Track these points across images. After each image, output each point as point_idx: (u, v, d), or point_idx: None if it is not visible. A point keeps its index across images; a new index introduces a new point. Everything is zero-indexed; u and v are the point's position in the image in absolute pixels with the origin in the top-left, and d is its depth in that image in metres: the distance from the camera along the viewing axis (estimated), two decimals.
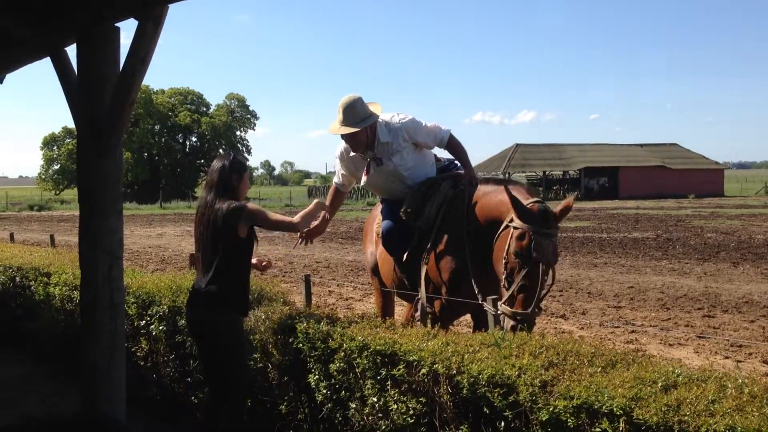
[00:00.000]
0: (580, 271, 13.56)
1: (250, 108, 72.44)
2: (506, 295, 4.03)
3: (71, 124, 4.52)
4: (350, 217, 30.88)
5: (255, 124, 72.72)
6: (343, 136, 4.89)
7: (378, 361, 3.41)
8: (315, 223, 4.87)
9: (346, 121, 4.77)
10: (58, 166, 63.51)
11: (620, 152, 57.51)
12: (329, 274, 13.66)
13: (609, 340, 7.89)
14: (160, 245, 20.09)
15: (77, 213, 3.92)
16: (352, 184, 5.52)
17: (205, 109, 69.85)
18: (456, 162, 5.29)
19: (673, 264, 14.55)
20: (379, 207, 5.51)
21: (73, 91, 3.85)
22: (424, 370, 3.17)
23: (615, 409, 2.48)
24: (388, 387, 3.35)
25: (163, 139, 65.57)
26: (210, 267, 3.95)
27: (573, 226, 24.35)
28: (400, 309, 6.89)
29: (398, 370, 3.28)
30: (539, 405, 2.71)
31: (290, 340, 3.98)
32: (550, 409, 2.65)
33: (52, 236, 10.76)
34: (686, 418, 2.36)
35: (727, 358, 7.14)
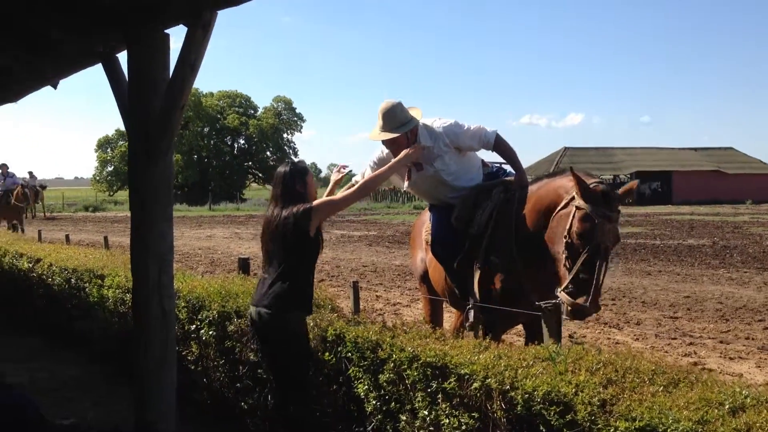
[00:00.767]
0: (633, 279, 13.22)
1: (297, 110, 73.10)
2: (568, 278, 3.94)
3: (123, 127, 4.56)
4: (397, 221, 30.86)
5: (301, 127, 73.37)
6: (384, 142, 4.80)
7: (428, 373, 3.33)
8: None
9: (386, 126, 4.68)
10: (112, 167, 65.09)
11: (673, 156, 56.21)
12: (376, 278, 13.62)
13: (666, 352, 7.64)
14: (209, 247, 20.36)
15: (130, 214, 3.95)
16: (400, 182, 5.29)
17: (252, 111, 70.71)
18: (505, 167, 5.15)
19: (731, 273, 14.08)
20: (427, 213, 5.42)
21: (124, 97, 3.89)
22: (476, 384, 3.08)
23: None
24: (439, 400, 3.27)
25: (212, 142, 66.60)
26: (278, 268, 3.98)
27: (625, 231, 23.83)
28: (448, 316, 6.79)
29: (449, 383, 3.20)
30: (599, 426, 2.59)
31: (339, 348, 3.93)
32: (611, 430, 2.53)
33: (105, 237, 10.98)
34: None
35: None
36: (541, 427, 2.80)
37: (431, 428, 3.30)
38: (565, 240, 4.00)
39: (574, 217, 3.98)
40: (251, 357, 4.70)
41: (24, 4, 4.01)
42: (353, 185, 4.72)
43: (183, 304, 5.30)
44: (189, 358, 5.30)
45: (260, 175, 71.75)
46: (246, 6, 3.31)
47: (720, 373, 6.68)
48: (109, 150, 66.02)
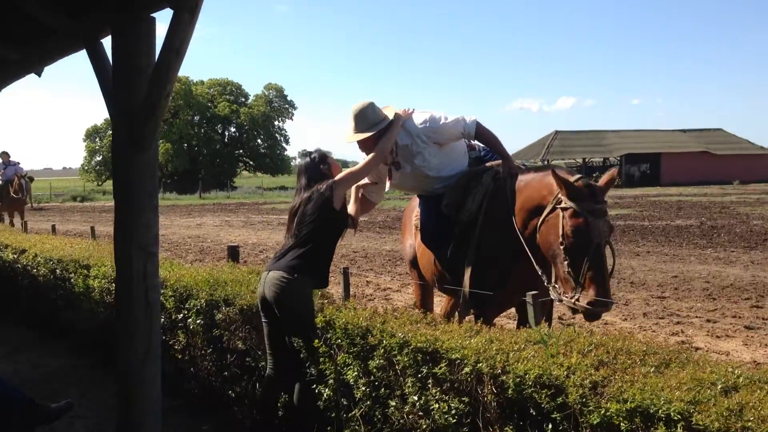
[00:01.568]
0: (622, 260, 13.26)
1: (288, 98, 72.74)
2: (571, 281, 3.88)
3: (108, 115, 4.49)
4: (388, 206, 30.79)
5: (293, 114, 73.04)
6: (359, 144, 4.71)
7: (419, 358, 3.30)
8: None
9: (359, 127, 4.63)
10: (101, 157, 64.68)
11: (662, 138, 56.37)
12: (367, 263, 13.59)
13: (654, 332, 7.67)
14: (199, 235, 20.26)
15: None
16: (382, 192, 5.26)
17: (243, 99, 70.36)
18: (490, 152, 5.07)
19: (719, 252, 14.16)
20: (416, 199, 5.38)
21: (109, 84, 3.80)
22: (467, 369, 3.05)
23: (672, 414, 2.33)
24: (430, 385, 3.24)
25: (202, 130, 66.25)
26: (300, 240, 4.19)
27: (614, 213, 23.90)
28: (439, 300, 6.78)
29: (440, 368, 3.17)
30: (590, 407, 2.57)
31: (328, 335, 3.90)
32: (602, 412, 2.51)
33: (92, 228, 10.90)
34: (750, 424, 2.21)
35: None
36: (532, 411, 2.79)
37: (421, 413, 3.28)
38: (561, 244, 3.95)
39: (564, 218, 3.95)
40: (239, 345, 4.66)
41: None
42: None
43: (170, 293, 5.26)
44: (176, 347, 5.25)
45: (251, 163, 71.49)
46: None
47: (707, 351, 6.71)
48: (97, 140, 65.57)
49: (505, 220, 4.44)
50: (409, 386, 3.34)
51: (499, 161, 4.80)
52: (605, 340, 3.09)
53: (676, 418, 2.33)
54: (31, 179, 20.54)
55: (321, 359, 3.89)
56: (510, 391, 2.85)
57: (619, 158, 53.33)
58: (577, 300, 3.85)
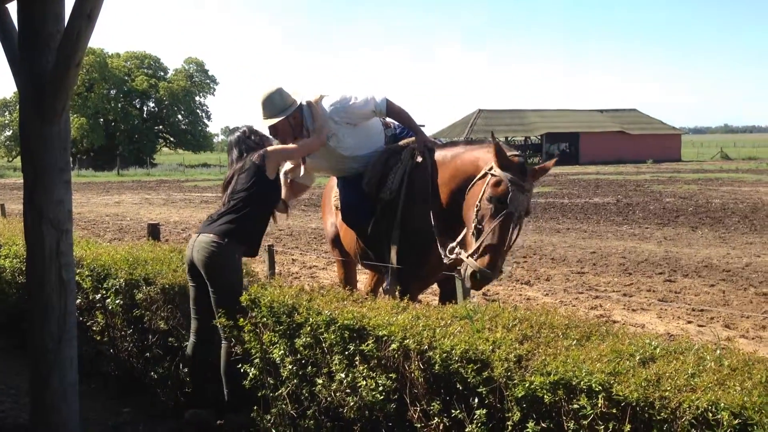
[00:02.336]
0: (543, 237, 13.62)
1: (210, 73, 70.96)
2: (474, 244, 3.93)
3: (15, 85, 4.21)
4: (313, 184, 30.54)
5: (214, 89, 71.32)
6: (269, 130, 4.63)
7: (346, 336, 3.27)
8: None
9: (267, 113, 4.57)
10: (11, 132, 61.62)
11: (581, 118, 57.99)
12: (292, 242, 13.48)
13: (574, 306, 7.91)
14: (117, 213, 19.63)
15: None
16: (312, 175, 5.26)
17: (162, 73, 68.18)
18: (405, 129, 5.07)
19: (634, 229, 14.72)
20: (335, 179, 5.32)
21: (15, 52, 3.57)
22: (394, 346, 3.05)
23: (594, 385, 2.39)
24: (357, 363, 3.22)
25: (119, 105, 63.88)
26: (233, 205, 4.22)
27: (535, 191, 24.46)
28: (363, 278, 6.77)
29: (367, 345, 3.15)
30: (515, 381, 2.60)
31: (253, 313, 3.82)
32: (526, 385, 2.55)
33: (2, 205, 10.37)
34: (667, 393, 2.28)
35: (689, 323, 7.21)
36: (458, 386, 2.81)
37: (348, 391, 3.26)
38: (476, 206, 4.00)
39: (487, 184, 3.99)
40: (161, 325, 4.53)
41: None
42: None
43: (87, 273, 5.06)
44: (94, 328, 5.07)
45: (172, 139, 69.57)
46: None
47: (624, 324, 6.96)
48: (7, 113, 62.44)
49: (427, 194, 4.46)
50: (336, 364, 3.32)
51: (413, 138, 4.81)
52: (529, 314, 3.14)
53: (597, 389, 2.39)
54: None
55: (246, 338, 3.82)
56: (437, 367, 2.86)
57: (540, 137, 54.63)
58: (469, 264, 3.90)
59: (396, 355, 3.06)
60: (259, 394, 3.78)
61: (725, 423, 2.11)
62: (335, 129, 4.65)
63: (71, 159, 3.85)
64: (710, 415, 2.16)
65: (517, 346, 2.76)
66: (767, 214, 16.68)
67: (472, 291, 4.18)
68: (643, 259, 11.00)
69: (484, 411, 2.71)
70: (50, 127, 3.40)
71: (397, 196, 4.58)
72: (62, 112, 3.43)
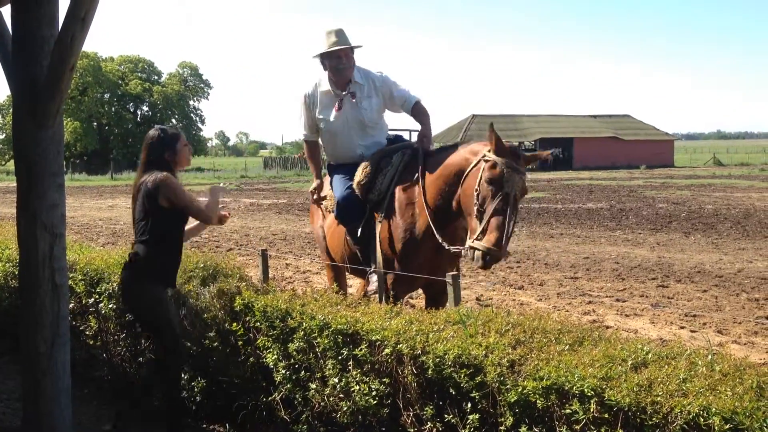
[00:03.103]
0: (537, 242, 13.63)
1: (204, 77, 70.96)
2: (479, 227, 4.03)
3: (8, 89, 4.20)
4: (307, 188, 30.58)
5: (208, 94, 71.32)
6: (328, 55, 4.85)
7: (339, 340, 3.28)
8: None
9: (339, 41, 4.82)
10: (3, 135, 61.40)
11: (574, 123, 58.13)
12: (286, 246, 13.46)
13: (567, 311, 7.92)
14: (111, 217, 19.57)
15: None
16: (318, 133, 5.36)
17: (156, 77, 68.12)
18: (402, 136, 5.38)
19: (627, 234, 14.74)
20: (327, 179, 5.35)
21: (8, 56, 3.57)
22: (387, 350, 3.06)
23: (586, 390, 2.40)
24: (350, 367, 3.23)
25: (113, 109, 63.78)
26: (140, 236, 4.01)
27: (529, 196, 24.51)
28: (355, 282, 6.77)
29: (360, 350, 3.17)
30: (507, 386, 2.62)
31: (247, 318, 3.82)
32: (519, 390, 2.56)
33: None
34: (659, 398, 2.30)
35: (682, 328, 7.23)
36: (451, 390, 2.81)
37: (341, 395, 3.27)
38: (475, 192, 4.11)
39: (484, 169, 4.13)
40: None
41: None
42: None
43: (80, 277, 5.05)
44: (87, 333, 5.05)
45: None
46: None
47: (617, 329, 6.98)
48: (0, 117, 62.16)
49: (413, 195, 4.55)
50: (329, 368, 3.32)
51: (409, 142, 5.03)
52: (522, 319, 3.15)
53: (589, 394, 2.40)
54: None
55: (239, 342, 3.82)
56: (430, 372, 2.87)
57: (534, 142, 54.76)
58: (476, 246, 4.00)
59: (389, 360, 3.07)
60: (251, 399, 3.78)
61: (716, 428, 2.12)
62: (372, 94, 4.95)
63: (64, 163, 3.85)
64: (702, 420, 2.17)
65: (510, 351, 2.77)
66: (759, 220, 16.75)
67: (463, 296, 4.22)
68: (637, 264, 11.02)
69: (477, 416, 2.71)
70: (44, 131, 3.40)
71: (384, 197, 4.67)
72: (56, 116, 3.43)
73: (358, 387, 3.16)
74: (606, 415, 2.36)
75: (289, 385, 3.57)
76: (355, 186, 4.80)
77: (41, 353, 3.40)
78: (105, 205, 24.60)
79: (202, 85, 70.47)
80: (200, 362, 4.26)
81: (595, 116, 60.37)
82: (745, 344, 6.62)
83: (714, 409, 2.17)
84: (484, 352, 2.78)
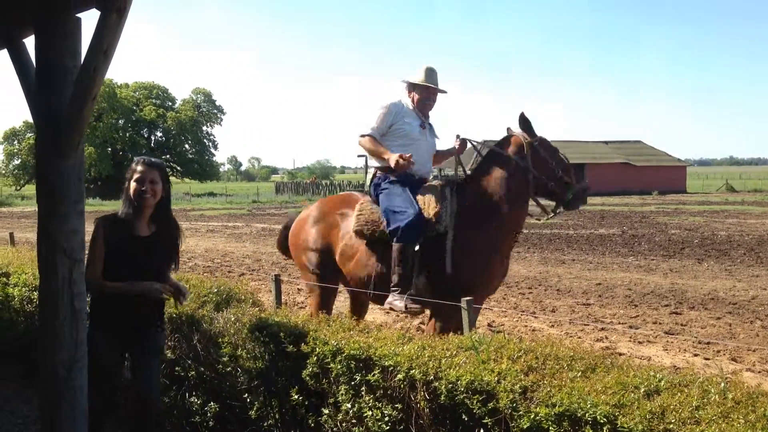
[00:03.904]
0: (549, 268, 13.61)
1: (217, 103, 71.75)
2: (568, 178, 5.10)
3: (32, 119, 4.28)
4: None
5: (221, 119, 72.04)
6: (421, 87, 5.33)
7: (352, 365, 3.31)
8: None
9: (432, 80, 5.33)
10: (19, 161, 62.18)
11: (586, 149, 58.15)
12: (298, 271, 13.45)
13: (579, 338, 7.90)
14: None
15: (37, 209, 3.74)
16: None
17: (170, 103, 68.98)
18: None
19: (639, 261, 14.69)
20: (310, 208, 5.76)
21: (32, 86, 3.65)
22: (400, 376, 3.08)
23: (599, 417, 2.42)
24: (363, 393, 3.26)
25: (127, 134, 64.52)
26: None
27: (540, 222, 24.48)
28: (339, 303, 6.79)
29: (373, 375, 3.19)
30: (520, 412, 2.64)
31: (260, 343, 3.85)
32: (532, 416, 2.58)
33: (11, 234, 10.44)
34: (671, 426, 2.31)
35: (696, 355, 7.19)
36: (464, 416, 2.83)
37: (354, 421, 3.29)
38: (551, 165, 5.04)
39: (536, 151, 5.03)
40: (168, 354, 4.56)
41: None
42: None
43: None
44: None
45: (178, 168, 69.97)
46: None
47: (630, 356, 6.95)
48: (16, 142, 63.00)
49: (481, 216, 4.97)
50: (342, 394, 3.35)
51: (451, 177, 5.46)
52: (534, 346, 3.17)
53: (602, 421, 2.41)
54: None
55: (251, 368, 3.84)
56: (442, 397, 2.89)
57: None
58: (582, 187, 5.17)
59: (402, 386, 3.09)
60: (264, 425, 3.80)
61: None
62: (433, 131, 5.60)
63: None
64: None
65: (523, 377, 2.79)
66: None
67: (477, 322, 4.23)
68: (649, 290, 10.98)
69: None
70: (66, 159, 3.47)
71: (448, 227, 4.92)
72: (78, 144, 3.51)
73: (370, 412, 3.18)
74: None
75: (302, 410, 3.59)
76: (432, 216, 4.94)
77: (59, 377, 3.44)
78: None
79: (215, 111, 71.23)
80: (213, 387, 4.28)
81: (606, 142, 60.41)
82: (759, 372, 6.57)
83: None
84: (496, 378, 2.80)
